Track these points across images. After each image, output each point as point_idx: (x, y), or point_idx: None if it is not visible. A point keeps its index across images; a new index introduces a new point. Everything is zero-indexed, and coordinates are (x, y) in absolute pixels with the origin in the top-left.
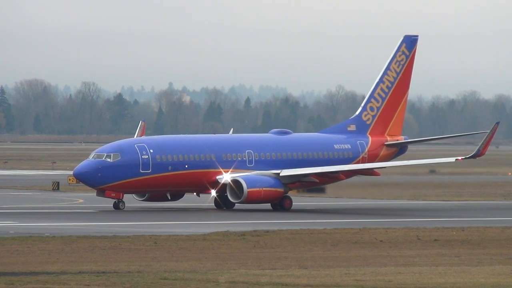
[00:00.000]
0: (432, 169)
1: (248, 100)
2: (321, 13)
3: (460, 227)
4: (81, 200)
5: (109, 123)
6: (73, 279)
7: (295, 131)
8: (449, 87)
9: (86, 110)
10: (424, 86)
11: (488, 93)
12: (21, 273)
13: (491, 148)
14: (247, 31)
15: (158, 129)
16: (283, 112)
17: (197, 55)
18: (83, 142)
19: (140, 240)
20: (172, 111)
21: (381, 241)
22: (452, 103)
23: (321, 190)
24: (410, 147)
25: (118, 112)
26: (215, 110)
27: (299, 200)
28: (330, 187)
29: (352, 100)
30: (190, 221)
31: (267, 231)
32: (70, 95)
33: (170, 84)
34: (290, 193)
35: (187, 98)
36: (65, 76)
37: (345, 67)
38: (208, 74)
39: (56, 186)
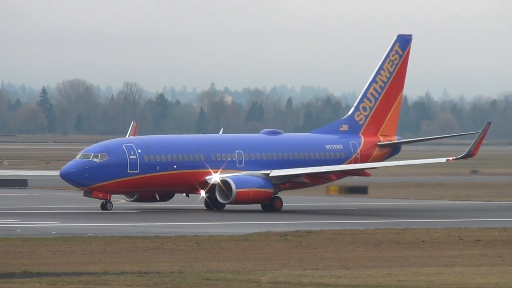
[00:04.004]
0: (474, 170)
1: (289, 101)
2: (363, 14)
3: (503, 227)
4: (122, 201)
5: (151, 123)
6: (115, 280)
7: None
8: (491, 87)
9: (128, 111)
10: (465, 86)
11: None
12: (64, 273)
13: None
14: (288, 31)
15: (200, 130)
16: (325, 112)
17: (239, 55)
18: None
19: (182, 241)
20: (214, 111)
21: (423, 241)
22: (493, 103)
23: (363, 191)
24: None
25: (160, 113)
26: (257, 111)
27: (341, 200)
28: (372, 188)
29: None
30: (232, 221)
31: (309, 232)
32: (112, 95)
33: (212, 84)
34: (332, 193)
35: (229, 99)
36: (107, 76)
37: None
38: (249, 75)
39: None
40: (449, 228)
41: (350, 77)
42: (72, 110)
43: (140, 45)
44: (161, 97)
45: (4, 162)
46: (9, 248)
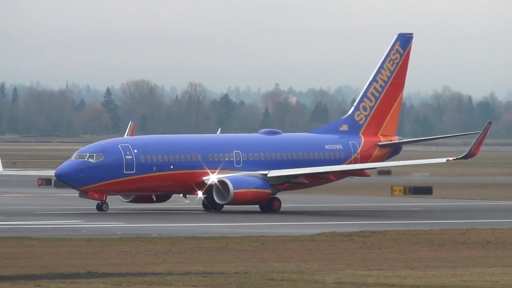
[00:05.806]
0: None
1: (354, 101)
2: (426, 13)
3: None
4: (187, 201)
5: (216, 124)
6: (180, 280)
7: (401, 133)
8: None
9: (193, 111)
10: None
11: None
12: (128, 273)
13: None
14: (351, 32)
15: None
16: None
17: (303, 55)
18: None
19: (247, 241)
20: (279, 111)
21: (488, 241)
22: None
23: (428, 191)
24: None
25: (225, 113)
26: (321, 111)
27: (406, 201)
28: (436, 188)
29: (459, 100)
30: (297, 221)
31: (374, 232)
32: (176, 96)
33: (276, 85)
34: (397, 194)
35: (293, 99)
36: (172, 77)
37: (450, 67)
38: (314, 75)
39: None
40: None
41: (415, 77)
42: (136, 111)
43: (205, 46)
44: (225, 97)
45: None
46: (74, 249)
